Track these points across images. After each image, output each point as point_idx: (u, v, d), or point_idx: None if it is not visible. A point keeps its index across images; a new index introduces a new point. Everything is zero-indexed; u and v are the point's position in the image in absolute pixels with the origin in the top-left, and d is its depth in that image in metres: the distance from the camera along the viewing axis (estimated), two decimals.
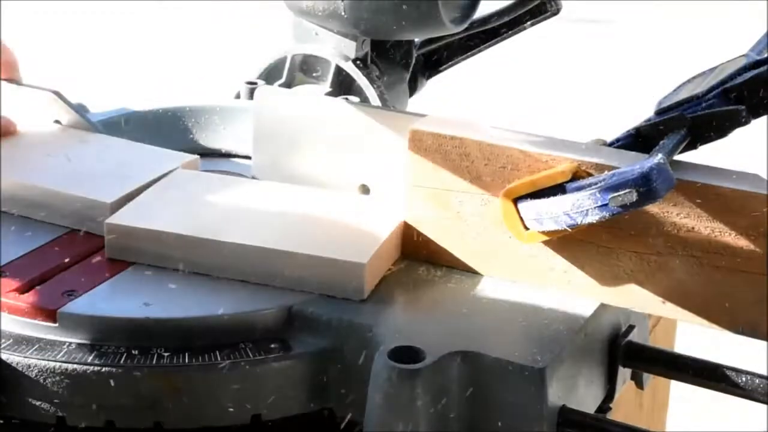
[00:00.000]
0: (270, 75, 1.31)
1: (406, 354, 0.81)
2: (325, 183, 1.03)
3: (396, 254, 0.95)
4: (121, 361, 0.83)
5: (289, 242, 0.91)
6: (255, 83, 1.27)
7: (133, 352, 0.84)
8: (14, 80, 1.11)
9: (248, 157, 1.11)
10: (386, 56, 1.31)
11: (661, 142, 0.89)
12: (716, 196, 0.84)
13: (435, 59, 1.41)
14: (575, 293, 0.90)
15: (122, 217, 0.94)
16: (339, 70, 1.26)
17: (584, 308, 0.89)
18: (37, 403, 0.84)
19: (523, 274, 0.92)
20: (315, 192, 1.01)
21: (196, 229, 0.92)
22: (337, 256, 0.89)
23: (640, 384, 0.97)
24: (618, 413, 0.96)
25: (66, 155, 1.04)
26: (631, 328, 0.94)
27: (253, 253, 0.90)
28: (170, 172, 1.02)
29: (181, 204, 0.97)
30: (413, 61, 1.35)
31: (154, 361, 0.83)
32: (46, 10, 4.83)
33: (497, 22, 1.40)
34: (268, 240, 0.91)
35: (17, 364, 0.83)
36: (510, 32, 1.42)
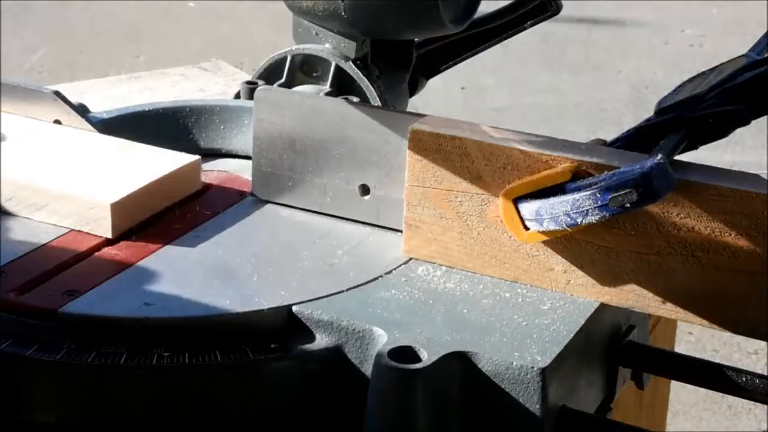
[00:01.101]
0: (270, 75, 1.31)
1: (405, 354, 0.81)
2: (324, 182, 1.03)
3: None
4: (121, 361, 0.83)
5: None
6: (255, 83, 1.27)
7: (133, 351, 0.84)
8: None
9: (248, 157, 1.11)
10: (386, 56, 1.31)
11: (661, 142, 0.89)
12: (716, 196, 0.84)
13: (435, 59, 1.41)
14: (575, 293, 0.90)
15: None
16: (339, 70, 1.26)
17: (584, 308, 0.89)
18: (38, 403, 0.84)
19: (524, 273, 0.92)
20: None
21: None
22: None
23: (640, 384, 0.97)
24: (618, 413, 0.96)
25: (68, 155, 1.05)
26: (631, 328, 0.94)
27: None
28: (172, 172, 1.03)
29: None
30: (413, 61, 1.35)
31: (154, 361, 0.83)
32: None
33: (497, 21, 1.40)
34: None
35: (18, 363, 0.83)
36: (510, 32, 1.42)
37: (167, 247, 0.97)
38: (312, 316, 0.87)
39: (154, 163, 1.04)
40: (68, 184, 0.99)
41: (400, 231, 0.97)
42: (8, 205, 1.00)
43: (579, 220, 0.84)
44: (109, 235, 0.96)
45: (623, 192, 0.81)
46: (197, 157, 1.07)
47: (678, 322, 0.99)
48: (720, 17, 5.17)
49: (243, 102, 1.23)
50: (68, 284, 0.89)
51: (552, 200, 0.85)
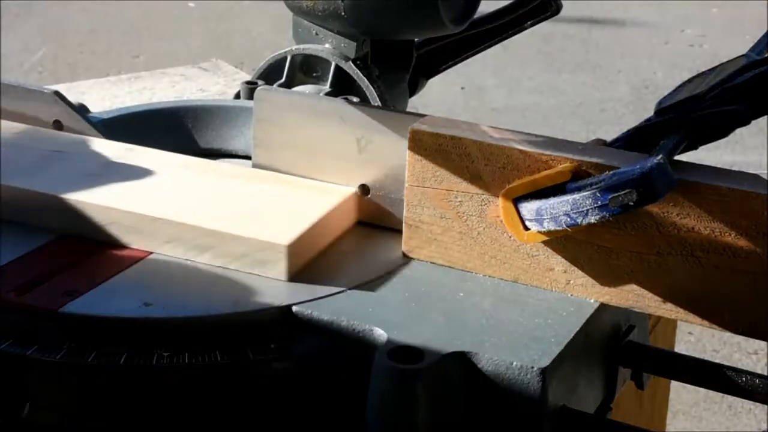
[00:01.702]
0: (270, 75, 1.31)
1: (406, 354, 0.81)
2: (324, 183, 1.03)
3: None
4: (121, 361, 0.83)
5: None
6: (255, 83, 1.28)
7: (133, 351, 0.84)
8: None
9: (248, 157, 1.11)
10: (386, 56, 1.31)
11: (661, 142, 0.89)
12: (716, 196, 0.84)
13: (435, 59, 1.41)
14: (575, 293, 0.90)
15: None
16: (339, 70, 1.26)
17: (584, 308, 0.89)
18: (38, 403, 0.84)
19: (523, 274, 0.92)
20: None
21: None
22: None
23: (640, 384, 0.97)
24: (618, 413, 0.96)
25: (213, 190, 1.00)
26: (631, 328, 0.94)
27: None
28: (337, 206, 0.98)
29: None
30: (413, 61, 1.35)
31: (154, 361, 0.83)
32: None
33: (497, 21, 1.40)
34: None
35: (18, 364, 0.83)
36: (510, 32, 1.42)
37: None
38: (312, 316, 0.87)
39: (313, 197, 0.99)
40: (233, 223, 0.94)
41: (400, 231, 0.97)
42: (165, 249, 0.94)
43: (579, 220, 0.84)
44: (284, 278, 0.91)
45: (623, 192, 0.81)
46: (353, 189, 1.01)
47: (678, 322, 0.99)
48: (720, 17, 5.17)
49: (243, 102, 1.24)
50: (68, 284, 0.89)
51: (552, 200, 0.85)
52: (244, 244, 0.92)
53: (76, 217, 0.96)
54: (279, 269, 0.91)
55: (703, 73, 0.99)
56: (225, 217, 0.95)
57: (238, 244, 0.92)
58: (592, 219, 0.83)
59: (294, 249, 0.92)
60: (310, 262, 0.94)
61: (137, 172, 1.03)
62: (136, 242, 0.95)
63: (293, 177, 1.03)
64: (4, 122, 1.12)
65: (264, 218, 0.95)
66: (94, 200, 0.96)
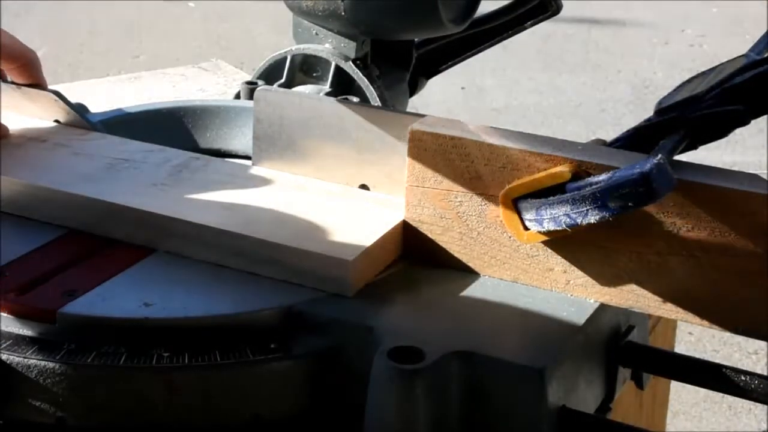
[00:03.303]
0: (270, 75, 1.31)
1: (406, 354, 0.81)
2: (324, 183, 1.03)
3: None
4: (121, 362, 0.83)
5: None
6: (255, 83, 1.28)
7: (133, 352, 0.84)
8: (39, 83, 1.11)
9: (248, 157, 1.11)
10: (386, 56, 1.31)
11: (661, 142, 0.89)
12: (716, 196, 0.84)
13: (435, 59, 1.42)
14: (575, 293, 0.90)
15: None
16: (339, 70, 1.26)
17: (584, 308, 0.89)
18: (37, 403, 0.84)
19: (523, 274, 0.92)
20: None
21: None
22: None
23: (640, 384, 0.97)
24: (618, 413, 0.96)
25: (269, 201, 0.98)
26: (631, 328, 0.94)
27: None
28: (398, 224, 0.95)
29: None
30: (413, 61, 1.35)
31: (154, 361, 0.83)
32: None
33: (497, 21, 1.40)
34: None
35: (17, 364, 0.83)
36: (510, 32, 1.42)
37: None
38: (312, 316, 0.87)
39: (377, 212, 0.97)
40: (296, 238, 0.92)
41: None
42: (230, 262, 0.93)
43: (579, 220, 0.84)
44: (349, 295, 0.89)
45: (623, 192, 0.81)
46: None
47: (678, 322, 0.99)
48: (720, 17, 5.18)
49: (243, 102, 1.24)
50: (68, 284, 0.89)
51: (552, 200, 0.85)
52: (309, 258, 0.90)
53: (142, 227, 0.95)
54: (342, 286, 0.89)
55: (703, 73, 0.99)
56: (291, 231, 0.93)
57: (304, 259, 0.90)
58: (592, 219, 0.83)
59: (358, 265, 0.90)
60: (375, 277, 0.92)
61: (202, 183, 1.02)
62: (199, 254, 0.93)
63: (360, 191, 1.02)
64: (69, 128, 1.12)
65: (330, 233, 0.93)
66: (159, 210, 0.95)
